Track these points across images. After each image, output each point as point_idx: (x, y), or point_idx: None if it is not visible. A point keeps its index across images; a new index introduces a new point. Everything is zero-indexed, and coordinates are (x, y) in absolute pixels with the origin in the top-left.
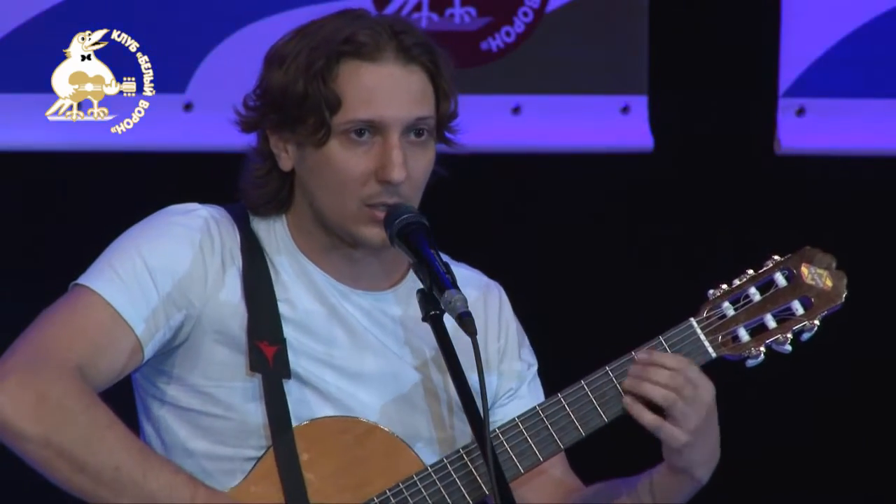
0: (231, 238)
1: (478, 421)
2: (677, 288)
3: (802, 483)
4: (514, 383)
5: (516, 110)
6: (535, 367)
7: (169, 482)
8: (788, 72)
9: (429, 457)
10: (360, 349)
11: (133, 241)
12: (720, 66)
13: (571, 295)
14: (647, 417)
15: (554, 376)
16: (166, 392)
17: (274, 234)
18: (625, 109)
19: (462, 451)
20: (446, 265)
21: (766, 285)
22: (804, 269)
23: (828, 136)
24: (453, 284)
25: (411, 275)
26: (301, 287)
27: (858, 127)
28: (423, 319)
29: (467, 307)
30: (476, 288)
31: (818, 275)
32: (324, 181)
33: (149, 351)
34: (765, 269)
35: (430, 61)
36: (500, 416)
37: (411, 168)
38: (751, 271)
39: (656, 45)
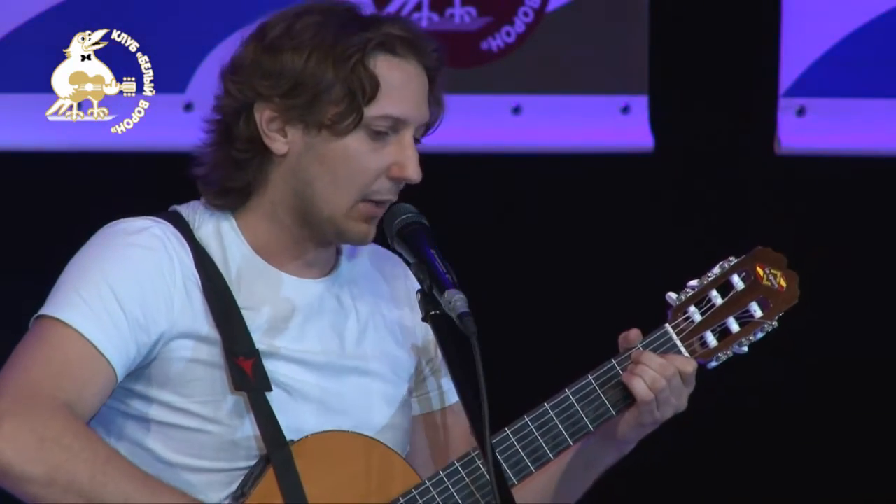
0: (185, 254)
1: (478, 421)
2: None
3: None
4: (432, 352)
5: (516, 110)
6: None
7: None
8: (788, 72)
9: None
10: (327, 338)
11: (96, 267)
12: (720, 65)
13: (571, 294)
14: (640, 387)
15: (551, 374)
16: (137, 410)
17: (222, 237)
18: (625, 109)
19: (457, 464)
20: (447, 265)
21: (724, 287)
22: (759, 271)
23: (828, 136)
24: (454, 284)
25: (345, 249)
26: (260, 289)
27: (858, 127)
28: (423, 319)
29: (468, 307)
30: (385, 259)
31: (772, 275)
32: (333, 171)
33: (122, 377)
34: (722, 271)
35: (437, 68)
36: (431, 386)
37: None
38: (710, 274)
39: (656, 45)
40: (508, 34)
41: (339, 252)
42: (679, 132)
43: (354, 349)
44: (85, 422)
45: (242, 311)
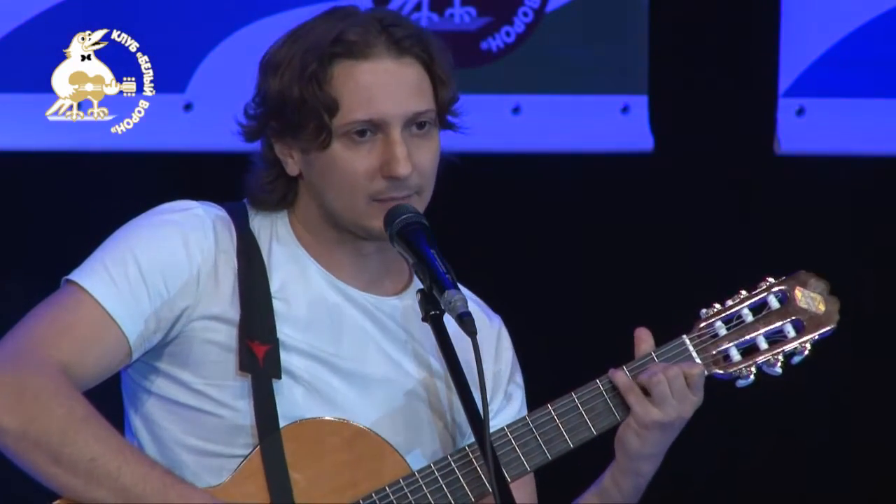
0: (226, 237)
1: (478, 421)
2: (677, 288)
3: None
4: (496, 404)
5: (516, 110)
6: (522, 393)
7: (143, 476)
8: (788, 72)
9: (423, 462)
10: (359, 347)
11: (126, 240)
12: (720, 66)
13: (570, 295)
14: (633, 391)
15: (551, 375)
16: (158, 387)
17: (275, 230)
18: (625, 109)
19: (449, 458)
20: (446, 265)
21: (759, 307)
22: (798, 293)
23: (828, 137)
24: (454, 284)
25: (415, 283)
26: (299, 284)
27: (858, 127)
28: (423, 319)
29: (467, 307)
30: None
31: (812, 299)
32: (332, 182)
33: (137, 349)
34: (758, 290)
35: (423, 51)
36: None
37: (417, 160)
38: (744, 292)
39: (656, 45)
40: (508, 34)
41: (407, 285)
42: (679, 132)
43: (384, 365)
44: (84, 384)
45: (274, 301)
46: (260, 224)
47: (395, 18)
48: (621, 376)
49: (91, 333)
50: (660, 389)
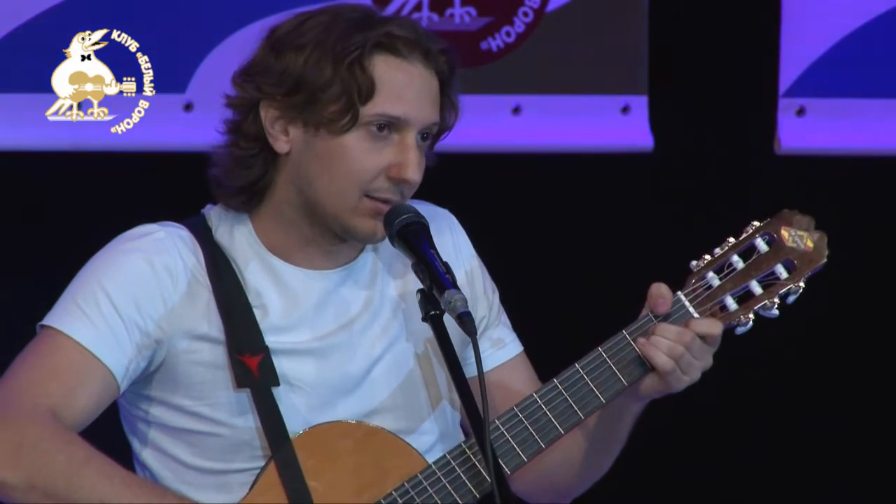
0: (194, 255)
1: (477, 421)
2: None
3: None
4: (483, 310)
5: (516, 110)
6: (497, 295)
7: None
8: (788, 72)
9: (427, 427)
10: (341, 332)
11: (94, 275)
12: (720, 66)
13: (571, 295)
14: (660, 359)
15: (550, 373)
16: (153, 414)
17: (239, 238)
18: (625, 109)
19: (447, 457)
20: (446, 265)
21: (748, 251)
22: (784, 233)
23: (828, 136)
24: (453, 284)
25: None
26: (272, 287)
27: (858, 127)
28: (423, 319)
29: (467, 307)
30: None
31: (798, 237)
32: (330, 169)
33: (124, 382)
34: (745, 235)
35: (448, 71)
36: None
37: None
38: (732, 239)
39: (656, 45)
40: (508, 34)
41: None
42: (679, 132)
43: (365, 337)
44: (77, 425)
45: (254, 310)
46: (222, 234)
47: (426, 30)
48: (663, 359)
49: (76, 375)
50: (686, 361)
